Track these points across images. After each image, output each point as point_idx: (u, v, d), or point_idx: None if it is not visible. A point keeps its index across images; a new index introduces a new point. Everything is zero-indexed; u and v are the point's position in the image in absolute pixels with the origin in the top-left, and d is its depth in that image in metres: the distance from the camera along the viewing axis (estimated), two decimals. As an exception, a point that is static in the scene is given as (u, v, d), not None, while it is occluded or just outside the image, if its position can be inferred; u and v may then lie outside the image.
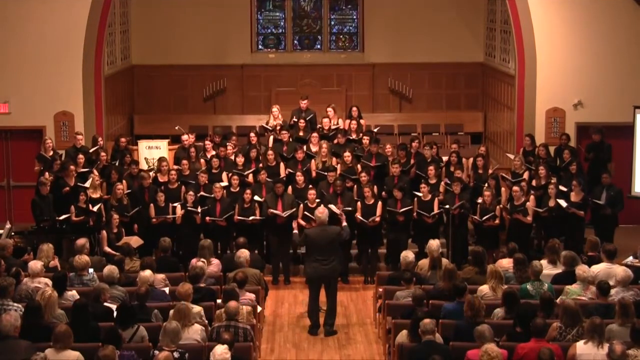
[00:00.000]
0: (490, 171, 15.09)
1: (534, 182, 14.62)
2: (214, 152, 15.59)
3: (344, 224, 12.13)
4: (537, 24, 16.47)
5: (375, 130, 17.19)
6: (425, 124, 20.10)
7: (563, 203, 13.85)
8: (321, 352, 11.44)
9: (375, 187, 14.33)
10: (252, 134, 16.18)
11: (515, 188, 13.89)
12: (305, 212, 13.65)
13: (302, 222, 13.62)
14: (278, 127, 16.39)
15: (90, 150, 15.48)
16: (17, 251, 12.37)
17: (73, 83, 16.43)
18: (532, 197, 13.96)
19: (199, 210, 13.92)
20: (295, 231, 12.58)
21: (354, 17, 21.40)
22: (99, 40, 16.84)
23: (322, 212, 11.98)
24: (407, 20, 20.65)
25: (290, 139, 16.00)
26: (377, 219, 13.90)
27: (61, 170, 14.56)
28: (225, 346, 8.59)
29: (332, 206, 13.61)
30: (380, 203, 14.03)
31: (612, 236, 14.15)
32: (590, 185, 14.74)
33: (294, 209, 13.91)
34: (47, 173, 14.40)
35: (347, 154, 15.10)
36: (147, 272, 10.57)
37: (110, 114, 17.86)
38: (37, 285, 10.45)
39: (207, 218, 13.94)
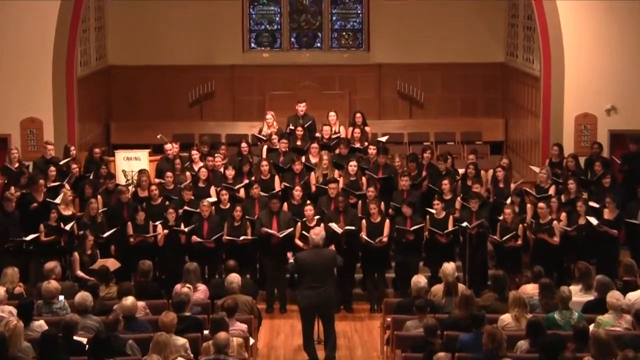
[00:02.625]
0: (512, 185, 15.06)
1: (562, 198, 14.59)
2: (201, 164, 15.56)
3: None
4: (564, 19, 16.47)
5: (384, 139, 17.12)
6: (439, 132, 20.13)
7: (594, 221, 13.82)
8: (322, 389, 11.44)
9: (382, 203, 14.30)
10: (243, 144, 16.18)
11: (540, 205, 13.84)
12: (304, 232, 13.61)
13: (300, 243, 13.59)
14: (274, 136, 16.30)
15: (62, 162, 15.46)
16: None
17: (42, 86, 16.44)
18: (563, 214, 13.93)
19: (185, 229, 13.88)
20: (291, 260, 12.55)
21: (358, 11, 21.46)
22: (72, 38, 16.84)
23: (317, 233, 11.95)
24: (417, 16, 20.69)
25: (287, 149, 15.99)
26: (385, 239, 13.87)
27: (29, 185, 14.52)
28: (213, 383, 8.56)
29: (333, 225, 13.59)
30: (387, 221, 14.00)
31: (650, 258, 14.13)
32: (625, 201, 14.70)
33: (291, 229, 13.88)
34: (12, 187, 14.36)
35: (353, 163, 15.06)
36: (130, 301, 10.46)
37: (83, 120, 17.86)
38: (1, 314, 10.41)
39: (193, 238, 13.89)
